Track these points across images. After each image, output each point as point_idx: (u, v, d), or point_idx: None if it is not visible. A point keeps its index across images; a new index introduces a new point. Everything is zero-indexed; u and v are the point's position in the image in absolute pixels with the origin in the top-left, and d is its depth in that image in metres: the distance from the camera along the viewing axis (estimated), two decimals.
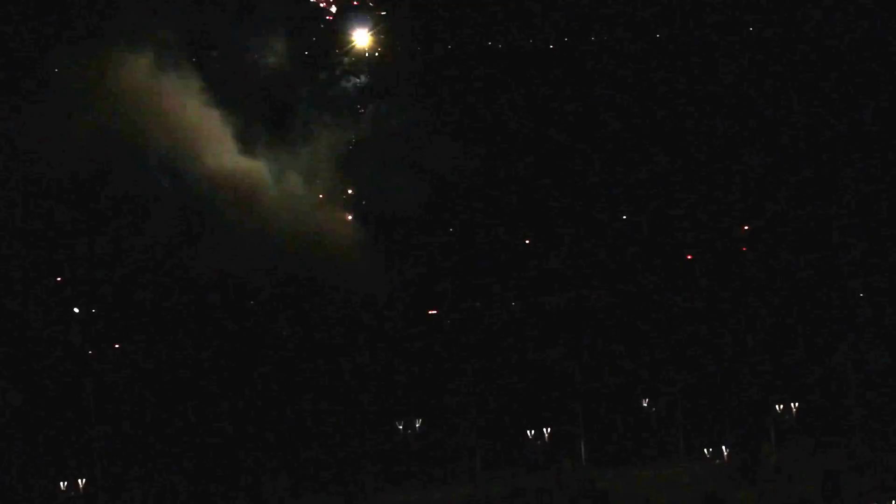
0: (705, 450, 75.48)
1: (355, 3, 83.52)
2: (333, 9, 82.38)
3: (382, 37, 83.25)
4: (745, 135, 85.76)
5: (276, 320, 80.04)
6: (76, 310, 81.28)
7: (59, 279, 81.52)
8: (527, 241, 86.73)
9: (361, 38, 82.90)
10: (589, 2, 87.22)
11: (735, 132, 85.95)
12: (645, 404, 79.45)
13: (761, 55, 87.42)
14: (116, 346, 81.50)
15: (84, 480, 73.37)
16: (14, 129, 78.35)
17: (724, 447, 74.69)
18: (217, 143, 77.19)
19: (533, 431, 77.35)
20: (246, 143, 78.25)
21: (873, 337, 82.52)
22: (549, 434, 76.97)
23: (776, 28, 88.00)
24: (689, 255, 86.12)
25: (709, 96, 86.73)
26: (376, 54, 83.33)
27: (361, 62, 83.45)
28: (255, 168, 78.35)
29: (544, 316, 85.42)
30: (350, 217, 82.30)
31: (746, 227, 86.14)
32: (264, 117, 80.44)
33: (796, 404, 77.09)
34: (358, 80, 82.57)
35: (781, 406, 77.18)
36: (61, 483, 73.37)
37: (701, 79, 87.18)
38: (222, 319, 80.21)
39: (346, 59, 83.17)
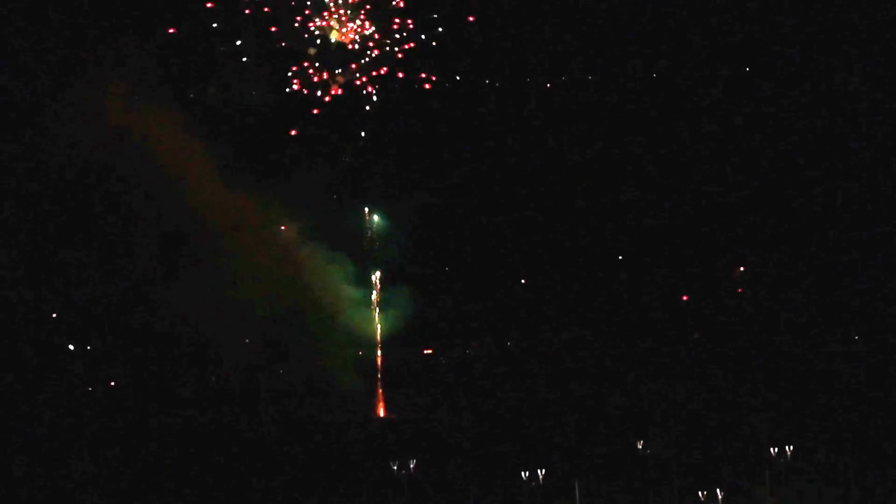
0: (700, 493, 75.11)
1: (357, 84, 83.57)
2: (311, 50, 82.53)
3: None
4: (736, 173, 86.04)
5: (261, 362, 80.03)
6: (71, 347, 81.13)
7: (53, 315, 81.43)
8: (523, 281, 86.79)
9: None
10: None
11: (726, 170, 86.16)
12: (640, 446, 79.23)
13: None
14: (112, 383, 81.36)
15: None
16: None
17: (718, 490, 74.26)
18: (201, 176, 77.09)
19: (527, 473, 77.03)
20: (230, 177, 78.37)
21: (870, 379, 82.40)
22: (543, 475, 76.63)
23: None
24: (685, 296, 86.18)
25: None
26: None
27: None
28: (238, 202, 78.28)
29: (539, 356, 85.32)
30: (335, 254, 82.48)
31: (742, 269, 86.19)
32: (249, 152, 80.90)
33: (791, 447, 76.79)
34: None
35: (776, 448, 76.90)
36: None
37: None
38: (208, 359, 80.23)
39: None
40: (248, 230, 78.68)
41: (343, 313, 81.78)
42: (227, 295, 78.34)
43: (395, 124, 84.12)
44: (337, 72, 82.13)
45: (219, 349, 79.58)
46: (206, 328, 78.75)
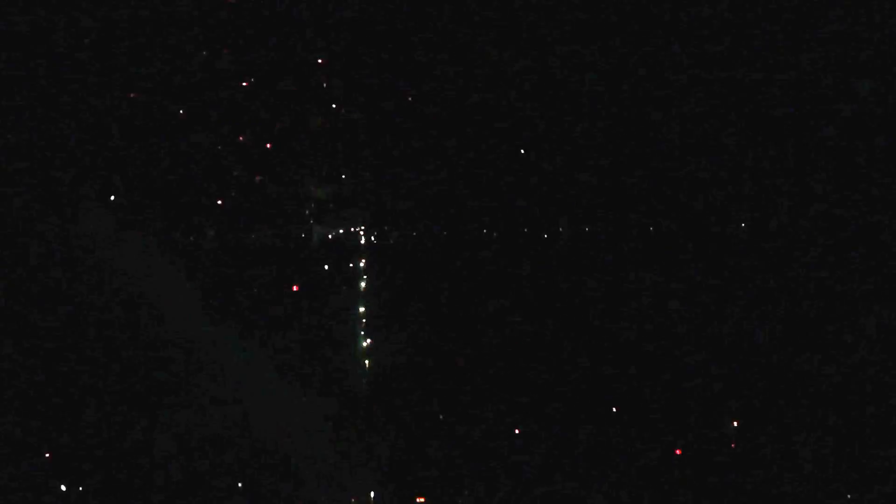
0: None
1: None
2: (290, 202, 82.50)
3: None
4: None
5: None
6: (63, 488, 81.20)
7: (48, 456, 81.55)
8: (517, 430, 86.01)
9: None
10: None
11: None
12: None
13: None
14: None
15: None
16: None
17: None
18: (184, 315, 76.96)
19: None
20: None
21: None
22: None
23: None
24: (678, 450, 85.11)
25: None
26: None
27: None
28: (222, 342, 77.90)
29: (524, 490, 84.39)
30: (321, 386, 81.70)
31: (736, 423, 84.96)
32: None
33: None
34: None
35: None
36: None
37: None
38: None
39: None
40: (230, 372, 78.43)
41: (328, 458, 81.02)
42: (202, 435, 77.84)
43: (387, 267, 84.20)
44: (317, 228, 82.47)
45: (189, 489, 78.98)
46: (178, 465, 78.24)
